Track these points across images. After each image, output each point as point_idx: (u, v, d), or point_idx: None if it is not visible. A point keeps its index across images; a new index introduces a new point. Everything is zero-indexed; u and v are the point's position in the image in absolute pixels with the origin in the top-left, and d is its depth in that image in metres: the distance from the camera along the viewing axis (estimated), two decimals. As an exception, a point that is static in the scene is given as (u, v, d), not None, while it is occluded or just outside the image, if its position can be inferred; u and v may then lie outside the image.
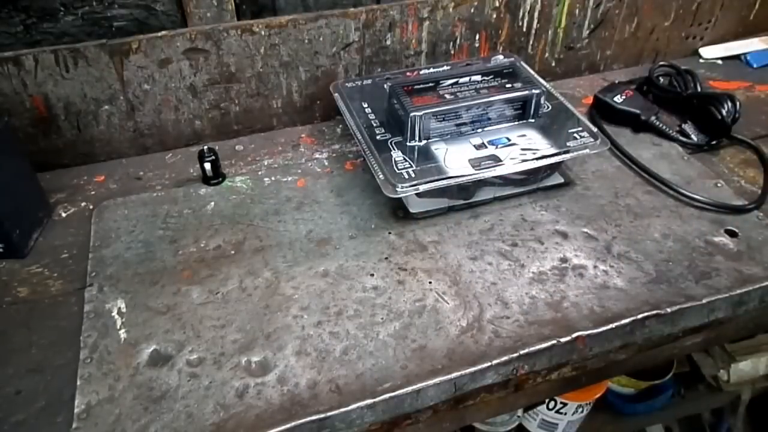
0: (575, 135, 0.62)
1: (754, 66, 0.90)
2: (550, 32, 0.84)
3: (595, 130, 0.63)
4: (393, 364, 0.46)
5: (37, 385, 0.46)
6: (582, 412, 0.93)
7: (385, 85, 0.65)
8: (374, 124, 0.63)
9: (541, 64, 0.87)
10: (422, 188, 0.55)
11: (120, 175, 0.69)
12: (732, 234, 0.58)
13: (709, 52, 0.94)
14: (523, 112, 0.64)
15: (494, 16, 0.78)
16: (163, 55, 0.67)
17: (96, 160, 0.71)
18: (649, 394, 1.04)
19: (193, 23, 0.69)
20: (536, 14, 0.81)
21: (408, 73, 0.71)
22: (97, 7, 0.66)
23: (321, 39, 0.72)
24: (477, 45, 0.80)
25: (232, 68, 0.70)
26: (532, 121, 0.64)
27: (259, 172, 0.68)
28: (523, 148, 0.60)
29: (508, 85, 0.63)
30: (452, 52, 0.79)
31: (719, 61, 0.93)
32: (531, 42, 0.83)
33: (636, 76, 0.89)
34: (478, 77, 0.64)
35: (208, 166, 0.64)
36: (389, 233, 0.59)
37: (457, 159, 0.58)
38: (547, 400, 0.90)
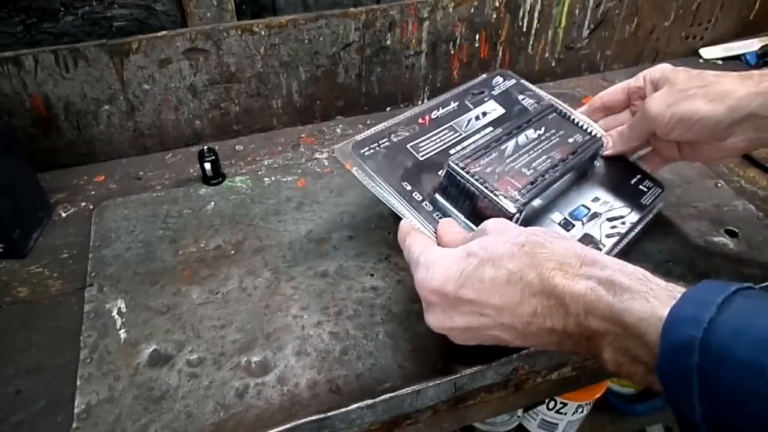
0: (642, 188, 0.56)
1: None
2: (550, 32, 0.84)
3: (651, 173, 0.57)
4: (393, 364, 0.46)
5: (37, 385, 0.46)
6: (582, 412, 0.93)
7: (447, 164, 0.49)
8: (426, 209, 0.49)
9: (541, 64, 0.87)
10: None
11: (120, 175, 0.69)
12: (732, 234, 0.58)
13: (709, 52, 0.94)
14: (585, 170, 0.56)
15: (494, 16, 0.78)
16: (163, 55, 0.67)
17: (96, 160, 0.71)
18: (649, 394, 1.04)
19: (193, 23, 0.69)
20: (536, 14, 0.81)
21: (420, 120, 0.56)
22: (97, 7, 0.66)
23: (321, 39, 0.72)
24: (477, 45, 0.80)
25: (232, 68, 0.70)
26: (589, 175, 0.56)
27: (259, 172, 0.68)
28: (609, 218, 0.53)
29: (570, 139, 0.54)
30: (452, 52, 0.79)
31: (719, 61, 0.93)
32: (531, 42, 0.83)
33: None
34: (532, 131, 0.53)
35: (208, 166, 0.64)
36: (389, 233, 0.59)
37: None
38: (547, 400, 0.90)
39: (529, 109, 0.60)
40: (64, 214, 0.63)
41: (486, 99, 0.60)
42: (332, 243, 0.58)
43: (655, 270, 0.54)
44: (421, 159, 0.52)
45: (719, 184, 0.65)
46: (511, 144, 0.52)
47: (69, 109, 0.67)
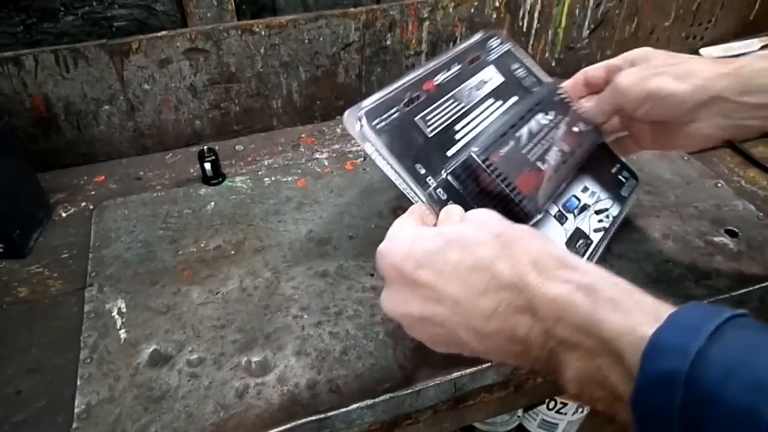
0: (621, 178, 0.56)
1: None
2: (550, 32, 0.84)
3: (626, 163, 0.57)
4: (393, 364, 0.46)
5: (37, 385, 0.45)
6: (582, 412, 0.93)
7: (469, 155, 0.45)
8: (441, 197, 0.46)
9: (542, 64, 0.87)
10: None
11: (120, 175, 0.69)
12: (732, 234, 0.58)
13: (709, 52, 0.94)
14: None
15: (494, 16, 0.78)
16: (163, 55, 0.67)
17: (96, 160, 0.71)
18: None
19: (193, 23, 0.69)
20: (536, 14, 0.81)
21: (425, 86, 0.52)
22: (97, 7, 0.66)
23: (321, 39, 0.72)
24: (477, 45, 0.80)
25: (232, 68, 0.70)
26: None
27: (259, 172, 0.68)
28: (596, 210, 0.52)
29: (575, 128, 0.52)
30: (452, 52, 0.79)
31: (719, 61, 0.93)
32: (531, 42, 0.83)
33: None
34: (542, 116, 0.51)
35: (208, 166, 0.64)
36: (389, 233, 0.59)
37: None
38: (547, 400, 0.90)
39: (524, 82, 0.57)
40: (64, 214, 0.63)
41: (484, 65, 0.56)
42: (332, 243, 0.58)
43: (656, 270, 0.54)
44: (430, 135, 0.49)
45: (719, 184, 0.65)
46: (525, 131, 0.49)
47: (69, 109, 0.67)
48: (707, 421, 0.24)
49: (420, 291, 0.34)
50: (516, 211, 0.45)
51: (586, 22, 0.85)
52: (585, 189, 0.53)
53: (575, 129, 0.52)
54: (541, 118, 0.51)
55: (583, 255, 0.49)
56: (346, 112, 0.47)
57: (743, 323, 0.27)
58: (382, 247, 0.37)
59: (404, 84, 0.51)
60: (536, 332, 0.31)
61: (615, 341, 0.28)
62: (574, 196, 0.52)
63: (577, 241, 0.50)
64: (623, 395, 0.27)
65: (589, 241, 0.50)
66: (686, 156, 0.69)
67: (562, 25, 0.84)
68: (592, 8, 0.83)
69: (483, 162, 0.45)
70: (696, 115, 0.45)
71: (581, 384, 0.30)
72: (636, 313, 0.28)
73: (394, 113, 0.49)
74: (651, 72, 0.47)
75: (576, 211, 0.52)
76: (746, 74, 0.43)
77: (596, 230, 0.51)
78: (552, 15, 0.82)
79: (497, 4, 0.77)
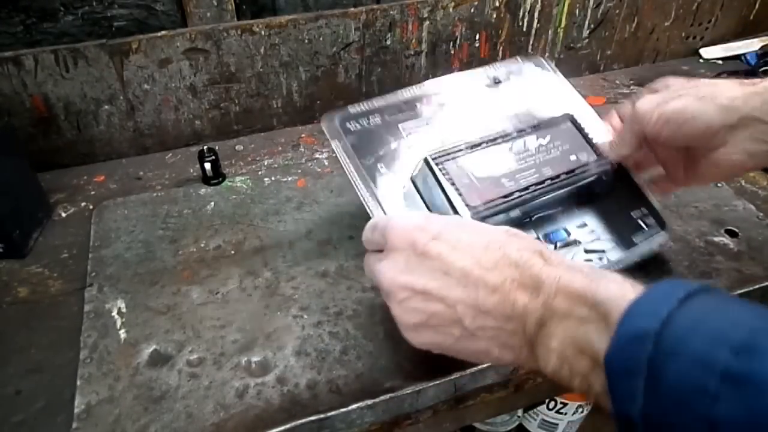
0: (641, 222, 0.50)
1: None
2: (550, 32, 0.84)
3: (659, 207, 0.50)
4: (393, 364, 0.46)
5: (37, 385, 0.45)
6: (582, 412, 0.93)
7: (424, 158, 0.46)
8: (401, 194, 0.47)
9: (541, 64, 0.87)
10: None
11: (120, 175, 0.69)
12: (732, 234, 0.58)
13: (709, 52, 0.94)
14: (584, 194, 0.50)
15: (494, 16, 0.78)
16: (163, 55, 0.67)
17: (96, 160, 0.71)
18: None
19: (193, 23, 0.69)
20: (536, 14, 0.81)
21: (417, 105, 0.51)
22: (97, 7, 0.66)
23: (321, 39, 0.72)
24: (477, 45, 0.80)
25: (232, 68, 0.70)
26: (592, 198, 0.51)
27: (259, 172, 0.68)
28: (587, 249, 0.50)
29: (572, 156, 0.49)
30: (452, 51, 0.79)
31: (719, 61, 0.93)
32: (531, 42, 0.83)
33: (636, 76, 0.89)
34: (534, 139, 0.49)
35: (208, 166, 0.64)
36: (389, 233, 0.59)
37: None
38: (547, 400, 0.90)
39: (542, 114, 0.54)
40: (64, 214, 0.63)
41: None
42: (332, 243, 0.58)
43: (656, 270, 0.54)
44: (407, 137, 0.49)
45: (719, 184, 0.65)
46: (503, 148, 0.48)
47: (69, 109, 0.67)
48: (670, 369, 0.26)
49: (429, 262, 0.36)
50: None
51: (586, 22, 0.85)
52: (583, 225, 0.51)
53: (572, 157, 0.49)
54: (531, 141, 0.49)
55: None
56: (326, 115, 0.48)
57: (714, 292, 0.29)
58: (392, 218, 0.39)
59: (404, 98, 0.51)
60: (534, 305, 0.33)
61: (605, 304, 0.30)
62: (565, 229, 0.51)
63: None
64: (600, 361, 0.29)
65: None
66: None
67: (562, 24, 0.84)
68: (592, 8, 0.83)
69: (437, 165, 0.46)
70: (724, 140, 0.42)
71: (563, 355, 0.31)
72: (627, 285, 0.31)
73: (376, 119, 0.49)
74: (671, 95, 0.44)
75: (559, 244, 0.50)
76: None
77: None
78: (552, 15, 0.82)
79: (497, 4, 0.77)
